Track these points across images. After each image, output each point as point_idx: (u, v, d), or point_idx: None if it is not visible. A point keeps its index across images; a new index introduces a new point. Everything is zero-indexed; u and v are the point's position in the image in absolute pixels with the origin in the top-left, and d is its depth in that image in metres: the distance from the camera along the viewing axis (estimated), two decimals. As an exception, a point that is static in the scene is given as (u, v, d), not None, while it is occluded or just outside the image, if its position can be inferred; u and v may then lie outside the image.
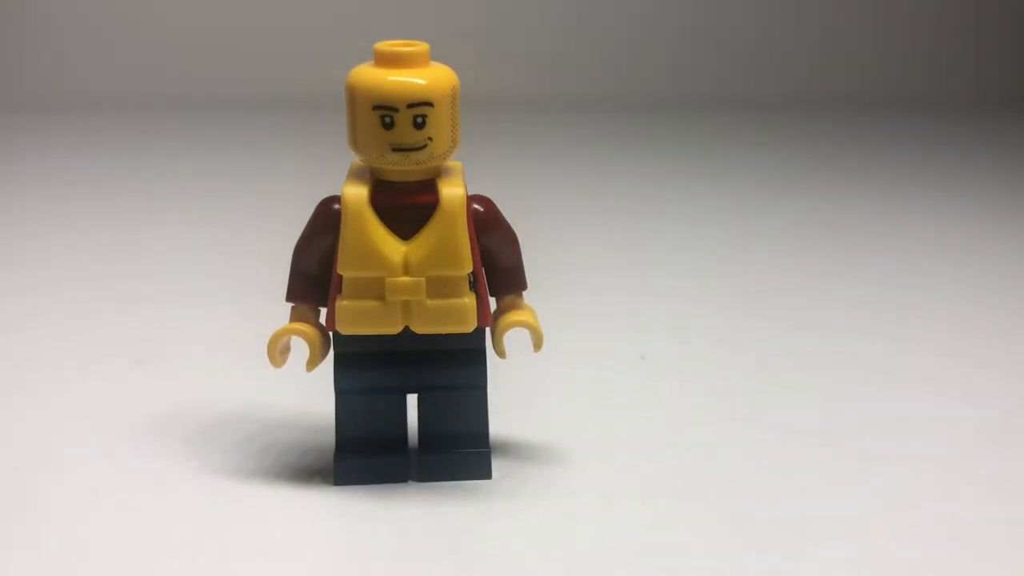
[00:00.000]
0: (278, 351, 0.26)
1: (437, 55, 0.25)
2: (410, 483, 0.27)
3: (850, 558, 0.25)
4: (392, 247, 0.25)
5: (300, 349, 0.27)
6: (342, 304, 0.25)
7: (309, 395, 0.29)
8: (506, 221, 0.27)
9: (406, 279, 0.25)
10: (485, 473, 0.28)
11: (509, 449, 0.29)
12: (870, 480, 0.28)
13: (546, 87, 0.85)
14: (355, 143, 0.25)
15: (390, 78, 0.24)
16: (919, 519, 0.26)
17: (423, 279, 0.25)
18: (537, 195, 0.54)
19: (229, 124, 0.74)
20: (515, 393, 0.30)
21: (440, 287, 0.25)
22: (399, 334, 0.26)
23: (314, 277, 0.26)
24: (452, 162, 0.27)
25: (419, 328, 0.26)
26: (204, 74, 0.81)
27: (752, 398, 0.33)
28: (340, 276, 0.25)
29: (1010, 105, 0.89)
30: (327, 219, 0.26)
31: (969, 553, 0.25)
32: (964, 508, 0.27)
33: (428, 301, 0.25)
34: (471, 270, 0.26)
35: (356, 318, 0.25)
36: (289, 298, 0.27)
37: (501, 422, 0.29)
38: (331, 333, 0.27)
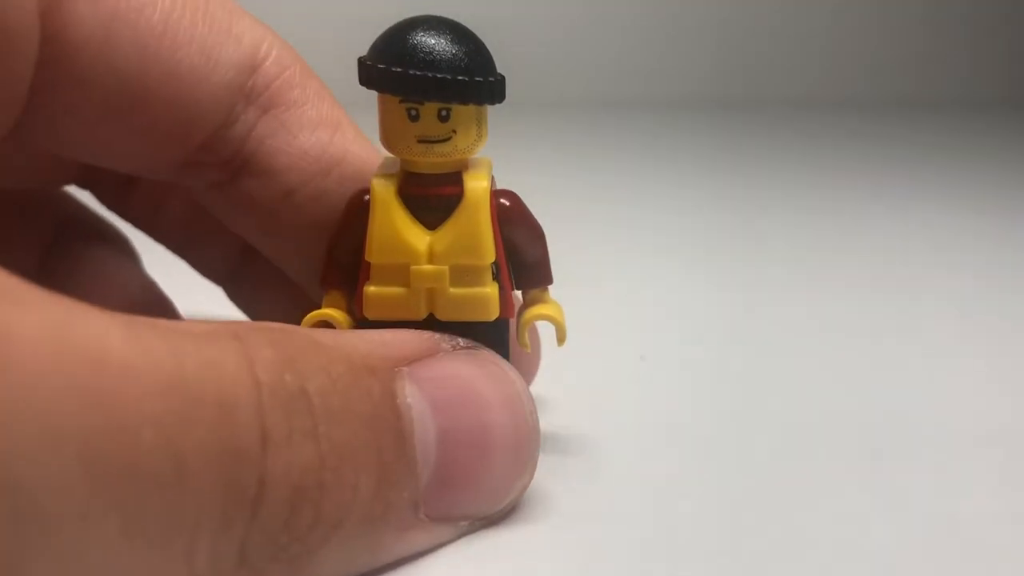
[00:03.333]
0: (310, 335, 0.28)
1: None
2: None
3: (854, 557, 0.25)
4: (417, 236, 0.26)
5: (332, 335, 0.28)
6: (369, 290, 0.26)
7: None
8: (532, 216, 0.28)
9: (430, 267, 0.26)
10: (507, 463, 0.28)
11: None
12: (872, 478, 0.28)
13: (574, 86, 0.86)
14: (384, 136, 0.26)
15: None
16: (922, 516, 0.26)
17: (446, 268, 0.26)
18: (555, 192, 0.55)
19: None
20: (538, 387, 0.31)
21: (463, 276, 0.26)
22: (424, 324, 0.27)
23: (346, 265, 0.27)
24: (481, 157, 0.28)
25: (442, 315, 0.27)
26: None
27: (765, 398, 0.34)
28: (368, 263, 0.26)
29: (1011, 105, 0.88)
30: (358, 209, 0.27)
31: (971, 552, 0.25)
32: (967, 506, 0.27)
33: (451, 289, 0.26)
34: (493, 260, 0.26)
35: (382, 304, 0.26)
36: (322, 284, 0.28)
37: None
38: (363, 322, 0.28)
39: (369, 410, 0.21)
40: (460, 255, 0.26)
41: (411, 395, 0.23)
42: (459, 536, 0.24)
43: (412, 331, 0.25)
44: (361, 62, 0.25)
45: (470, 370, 0.24)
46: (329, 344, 0.22)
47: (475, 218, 0.26)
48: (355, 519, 0.21)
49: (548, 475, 0.28)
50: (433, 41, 0.25)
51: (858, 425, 0.32)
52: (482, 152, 0.27)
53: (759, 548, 0.25)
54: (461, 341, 0.25)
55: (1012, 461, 0.29)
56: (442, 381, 0.23)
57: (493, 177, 0.27)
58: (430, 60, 0.24)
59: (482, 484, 0.24)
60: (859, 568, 0.24)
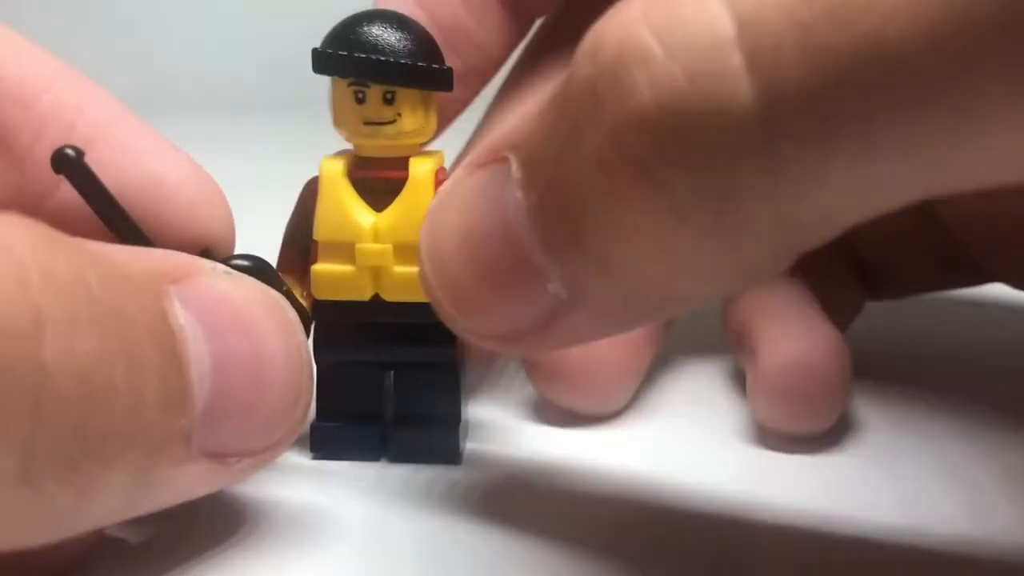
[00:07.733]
0: (263, 317, 0.28)
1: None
2: (383, 462, 0.28)
3: (847, 548, 0.24)
4: (363, 215, 0.27)
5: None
6: (317, 268, 0.27)
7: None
8: (481, 203, 0.28)
9: (375, 245, 0.27)
10: (454, 458, 0.28)
11: (483, 432, 0.30)
12: (865, 473, 0.28)
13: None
14: (335, 119, 0.27)
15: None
16: (910, 512, 0.26)
17: (391, 246, 0.27)
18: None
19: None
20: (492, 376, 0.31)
21: (408, 255, 0.27)
22: (374, 306, 0.27)
23: (301, 249, 0.28)
24: (434, 149, 0.29)
25: (388, 295, 0.27)
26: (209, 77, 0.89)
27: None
28: (316, 243, 0.27)
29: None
30: (312, 192, 0.28)
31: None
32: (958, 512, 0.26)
33: (396, 268, 0.27)
34: (436, 240, 0.27)
35: (329, 283, 0.27)
36: (278, 268, 0.29)
37: (476, 406, 0.30)
38: (313, 304, 0.28)
39: (147, 321, 0.19)
40: (404, 233, 0.27)
41: (183, 316, 0.20)
42: (231, 482, 0.23)
43: (169, 250, 0.23)
44: (313, 51, 0.27)
45: (242, 295, 0.22)
46: (94, 248, 0.19)
47: (419, 198, 0.27)
48: (144, 438, 0.18)
49: (546, 473, 0.28)
50: (379, 30, 0.26)
51: (860, 422, 0.31)
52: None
53: (759, 544, 0.25)
54: (220, 267, 0.23)
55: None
56: (213, 305, 0.21)
57: (445, 168, 0.28)
58: (374, 44, 0.26)
59: (257, 417, 0.22)
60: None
